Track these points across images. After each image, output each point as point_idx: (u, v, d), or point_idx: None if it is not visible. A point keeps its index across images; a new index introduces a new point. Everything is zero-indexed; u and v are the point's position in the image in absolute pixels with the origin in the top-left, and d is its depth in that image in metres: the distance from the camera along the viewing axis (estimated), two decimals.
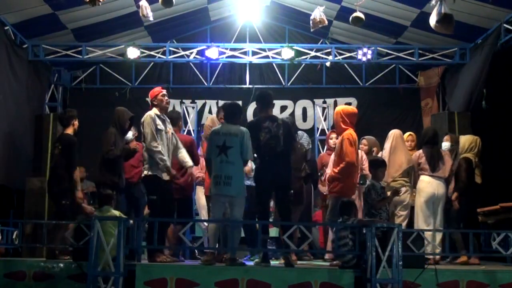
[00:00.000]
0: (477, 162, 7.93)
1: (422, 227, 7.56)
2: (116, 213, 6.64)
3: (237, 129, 6.82)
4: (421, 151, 7.85)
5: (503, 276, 6.45)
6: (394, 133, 8.14)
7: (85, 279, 6.15)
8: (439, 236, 7.48)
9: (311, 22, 9.43)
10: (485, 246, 7.31)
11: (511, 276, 6.46)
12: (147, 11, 8.81)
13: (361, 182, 7.83)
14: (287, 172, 6.91)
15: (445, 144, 8.29)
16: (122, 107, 7.86)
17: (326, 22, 9.50)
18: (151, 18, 9.03)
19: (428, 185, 7.71)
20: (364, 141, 8.52)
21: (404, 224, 7.66)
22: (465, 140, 8.01)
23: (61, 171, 7.24)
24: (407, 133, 8.68)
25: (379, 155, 8.16)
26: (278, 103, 11.99)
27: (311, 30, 9.65)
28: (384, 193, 7.14)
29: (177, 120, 7.83)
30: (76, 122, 7.51)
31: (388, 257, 5.99)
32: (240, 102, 11.84)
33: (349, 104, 12.07)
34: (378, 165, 7.31)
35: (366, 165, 8.02)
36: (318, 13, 9.38)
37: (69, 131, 7.44)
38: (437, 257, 7.36)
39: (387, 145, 8.06)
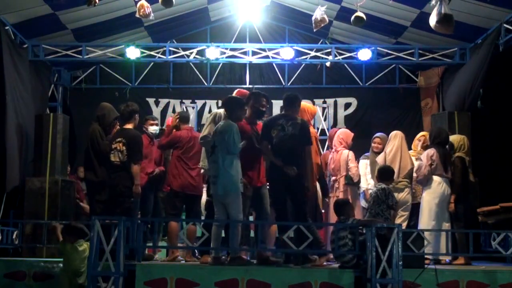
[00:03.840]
0: (469, 161, 7.94)
1: (427, 226, 7.53)
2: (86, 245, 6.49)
3: (223, 126, 6.75)
4: (434, 150, 7.77)
5: (503, 276, 6.46)
6: (399, 134, 8.10)
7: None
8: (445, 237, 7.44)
9: (313, 22, 9.43)
10: (485, 246, 7.32)
11: (511, 276, 6.46)
12: (148, 10, 8.76)
13: (347, 182, 7.83)
14: (299, 171, 6.79)
15: None
16: (108, 104, 7.78)
17: (327, 20, 9.50)
18: (151, 17, 8.99)
19: (440, 186, 7.64)
20: (377, 139, 8.40)
21: (404, 224, 7.65)
22: (453, 139, 7.99)
23: (128, 166, 7.18)
24: (421, 133, 8.66)
25: (382, 156, 8.09)
26: (278, 103, 11.96)
27: (314, 30, 9.64)
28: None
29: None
30: (137, 116, 7.51)
31: (388, 257, 6.00)
32: None
33: (349, 104, 12.13)
34: (389, 176, 7.38)
35: (352, 165, 7.96)
36: (319, 13, 9.38)
37: (130, 125, 7.42)
38: (442, 259, 7.39)
39: (393, 145, 8.00)
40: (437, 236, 7.38)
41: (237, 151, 6.66)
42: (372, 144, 8.44)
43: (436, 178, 7.68)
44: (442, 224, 7.62)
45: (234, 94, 7.50)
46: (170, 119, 8.61)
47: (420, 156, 7.90)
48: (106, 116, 7.53)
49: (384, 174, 7.49)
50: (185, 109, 11.91)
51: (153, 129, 8.22)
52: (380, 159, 7.94)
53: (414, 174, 7.91)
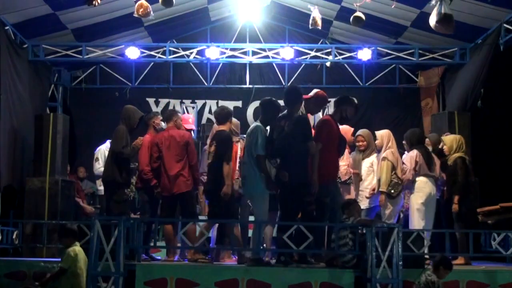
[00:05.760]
0: (469, 161, 7.97)
1: (419, 227, 7.55)
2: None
3: (251, 128, 6.89)
4: (416, 151, 7.80)
5: (503, 276, 6.47)
6: (391, 133, 8.08)
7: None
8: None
9: (311, 19, 9.47)
10: (485, 246, 7.33)
11: (511, 276, 6.47)
12: (148, 9, 8.74)
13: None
14: (299, 173, 6.64)
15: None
16: (131, 106, 7.95)
17: (320, 26, 9.57)
18: (151, 16, 8.96)
19: (426, 185, 7.70)
20: (360, 137, 8.10)
21: None
22: (452, 140, 7.99)
23: (218, 168, 7.17)
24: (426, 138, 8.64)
25: (391, 154, 7.98)
26: None
27: (310, 27, 9.67)
28: None
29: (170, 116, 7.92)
30: (232, 120, 7.55)
31: (388, 257, 6.00)
32: (240, 103, 12.00)
33: None
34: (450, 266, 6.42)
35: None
36: (317, 13, 9.43)
37: (225, 127, 7.44)
38: None
39: (394, 144, 7.95)
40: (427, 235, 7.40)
41: (261, 153, 6.67)
42: (357, 143, 8.16)
43: (421, 178, 7.72)
44: (424, 224, 7.66)
45: (313, 93, 7.41)
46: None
47: (403, 160, 7.88)
48: (131, 117, 7.64)
49: (446, 263, 6.25)
50: (185, 109, 11.93)
51: (163, 125, 8.09)
52: (391, 156, 7.80)
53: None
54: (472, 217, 8.01)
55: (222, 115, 7.46)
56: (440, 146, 8.08)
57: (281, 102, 7.25)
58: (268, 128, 7.05)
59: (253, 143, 6.73)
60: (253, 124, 7.05)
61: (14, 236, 7.94)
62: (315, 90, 7.49)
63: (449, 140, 8.01)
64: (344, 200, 7.28)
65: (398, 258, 6.00)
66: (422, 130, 8.35)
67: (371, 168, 7.92)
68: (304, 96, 7.29)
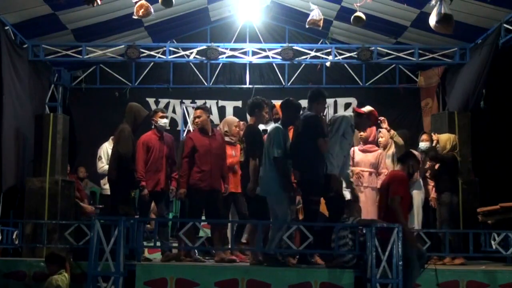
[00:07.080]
0: (468, 160, 8.02)
1: (418, 226, 7.62)
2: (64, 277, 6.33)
3: (270, 129, 6.87)
4: (417, 152, 7.84)
5: (503, 276, 6.47)
6: None
7: (85, 279, 6.17)
8: None
9: (309, 19, 9.47)
10: (485, 246, 7.34)
11: (511, 276, 6.47)
12: (149, 9, 8.70)
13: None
14: (307, 170, 6.64)
15: (423, 144, 8.25)
16: (136, 104, 7.84)
17: (320, 26, 9.56)
18: (152, 15, 8.91)
19: (423, 187, 7.82)
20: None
21: None
22: (446, 139, 8.01)
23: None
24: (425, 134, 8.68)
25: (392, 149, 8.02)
26: (278, 103, 11.99)
27: (306, 26, 9.66)
28: None
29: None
30: (262, 113, 7.31)
31: (388, 257, 6.00)
32: (240, 103, 11.99)
33: (349, 104, 12.11)
34: None
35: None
36: (317, 13, 9.42)
37: (251, 121, 7.35)
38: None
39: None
40: None
41: (276, 154, 6.59)
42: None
43: (419, 179, 7.78)
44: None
45: (367, 110, 7.24)
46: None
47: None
48: (136, 116, 7.54)
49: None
50: (185, 109, 11.92)
51: (163, 122, 7.91)
52: None
53: None
54: (472, 217, 8.04)
55: (248, 107, 7.38)
56: (434, 144, 8.09)
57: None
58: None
59: (270, 145, 6.69)
60: (273, 125, 6.99)
61: (14, 236, 7.94)
62: (369, 108, 7.30)
63: (443, 139, 8.03)
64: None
65: (398, 258, 5.99)
66: (411, 131, 8.34)
67: None
68: (357, 109, 7.25)
